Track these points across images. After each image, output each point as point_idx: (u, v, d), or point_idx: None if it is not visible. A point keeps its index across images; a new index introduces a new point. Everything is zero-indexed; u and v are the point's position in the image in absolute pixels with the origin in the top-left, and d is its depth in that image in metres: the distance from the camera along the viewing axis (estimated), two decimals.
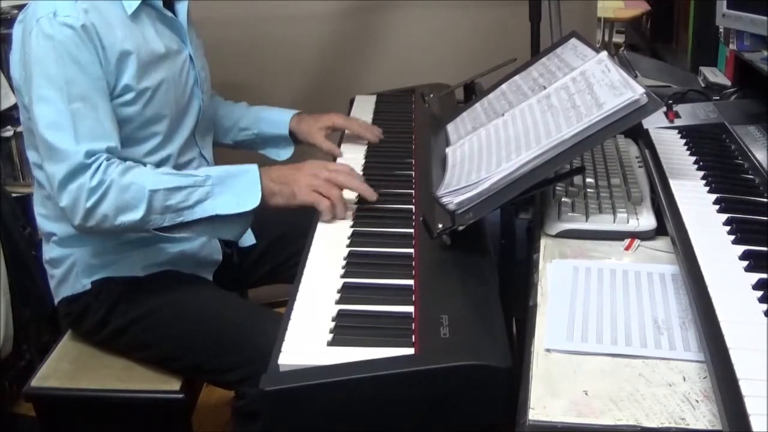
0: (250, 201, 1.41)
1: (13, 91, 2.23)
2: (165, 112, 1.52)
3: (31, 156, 1.55)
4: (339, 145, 1.79)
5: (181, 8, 1.60)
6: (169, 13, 1.57)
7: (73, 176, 1.37)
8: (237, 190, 1.42)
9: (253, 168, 1.45)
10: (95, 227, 1.40)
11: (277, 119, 1.85)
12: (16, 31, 1.46)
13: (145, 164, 1.47)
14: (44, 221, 1.59)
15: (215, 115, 1.84)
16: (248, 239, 1.76)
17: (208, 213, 1.41)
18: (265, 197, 1.42)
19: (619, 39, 4.10)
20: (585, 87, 1.33)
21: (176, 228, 1.42)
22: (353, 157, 1.72)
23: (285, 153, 1.87)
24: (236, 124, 1.86)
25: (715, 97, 1.82)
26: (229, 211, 1.41)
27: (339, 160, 1.70)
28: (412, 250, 1.31)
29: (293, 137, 1.84)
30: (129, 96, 1.46)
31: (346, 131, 1.83)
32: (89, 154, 1.38)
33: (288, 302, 1.18)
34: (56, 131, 1.38)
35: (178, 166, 1.57)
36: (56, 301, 1.62)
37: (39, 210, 1.60)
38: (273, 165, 1.51)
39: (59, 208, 1.42)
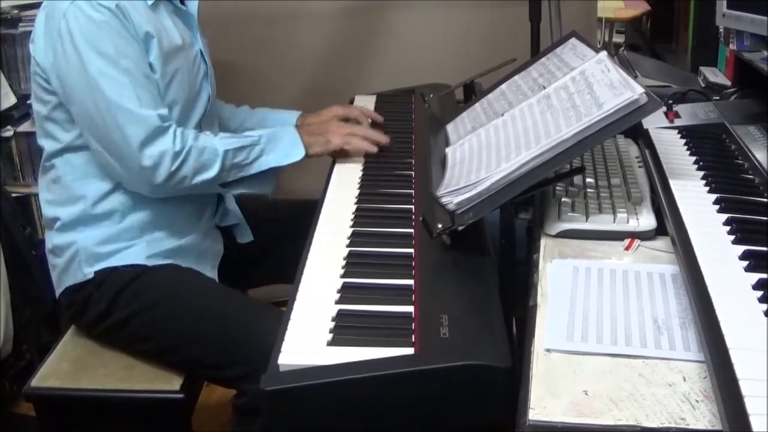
0: (297, 153, 1.63)
1: (12, 90, 2.25)
2: (179, 98, 1.57)
3: (45, 143, 1.58)
4: None
5: (192, 5, 1.65)
6: (183, 7, 1.62)
7: (153, 139, 1.47)
8: (284, 145, 1.62)
9: (290, 127, 1.71)
10: (173, 187, 1.52)
11: (283, 120, 1.91)
12: (40, 16, 1.51)
13: None
14: (49, 207, 1.61)
15: (219, 119, 1.86)
16: (246, 236, 1.77)
17: (264, 167, 1.60)
18: (306, 148, 1.63)
19: (619, 39, 4.09)
20: (585, 87, 1.33)
21: (234, 183, 1.60)
22: (353, 156, 1.72)
23: None
24: (242, 126, 1.90)
25: (715, 97, 1.82)
26: (281, 163, 1.61)
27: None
28: (412, 250, 1.31)
29: None
30: (154, 77, 1.51)
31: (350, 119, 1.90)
32: (163, 117, 1.49)
33: (288, 302, 1.18)
34: (124, 98, 1.46)
35: None
36: (58, 292, 1.63)
37: (44, 196, 1.62)
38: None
39: (129, 172, 1.50)
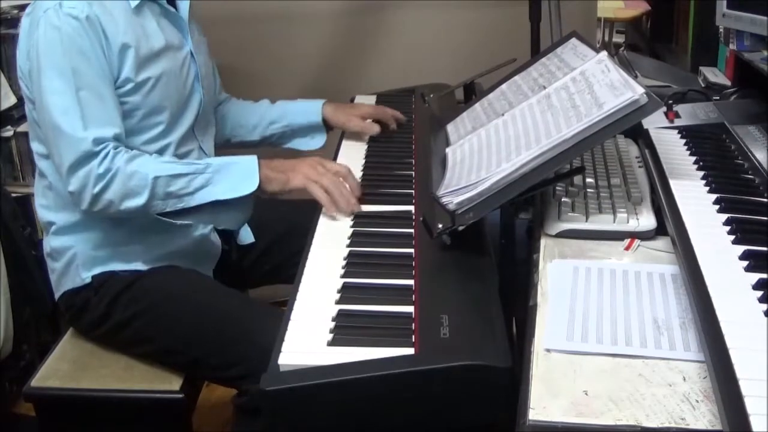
0: (247, 186, 1.49)
1: (12, 90, 2.25)
2: (166, 103, 1.55)
3: (35, 146, 1.57)
4: (339, 145, 1.81)
5: (183, 5, 1.63)
6: (172, 9, 1.59)
7: (81, 163, 1.43)
8: (235, 176, 1.49)
9: (251, 157, 1.52)
10: (101, 212, 1.46)
11: (307, 109, 1.88)
12: (24, 23, 1.50)
13: (150, 153, 1.52)
14: (44, 211, 1.60)
15: (238, 117, 1.87)
16: (247, 237, 1.76)
17: (207, 199, 1.48)
18: (262, 183, 1.49)
19: (619, 39, 4.10)
20: (585, 87, 1.33)
21: (178, 214, 1.49)
22: (353, 156, 1.72)
23: (316, 142, 1.89)
24: (263, 119, 1.88)
25: (715, 97, 1.82)
26: (227, 196, 1.48)
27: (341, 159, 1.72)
28: (412, 250, 1.31)
29: (326, 125, 1.87)
30: (129, 86, 1.49)
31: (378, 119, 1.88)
32: (97, 141, 1.43)
33: (288, 302, 1.18)
34: (66, 118, 1.42)
35: (177, 157, 1.58)
36: (57, 296, 1.62)
37: (40, 201, 1.61)
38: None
39: (66, 193, 1.47)
